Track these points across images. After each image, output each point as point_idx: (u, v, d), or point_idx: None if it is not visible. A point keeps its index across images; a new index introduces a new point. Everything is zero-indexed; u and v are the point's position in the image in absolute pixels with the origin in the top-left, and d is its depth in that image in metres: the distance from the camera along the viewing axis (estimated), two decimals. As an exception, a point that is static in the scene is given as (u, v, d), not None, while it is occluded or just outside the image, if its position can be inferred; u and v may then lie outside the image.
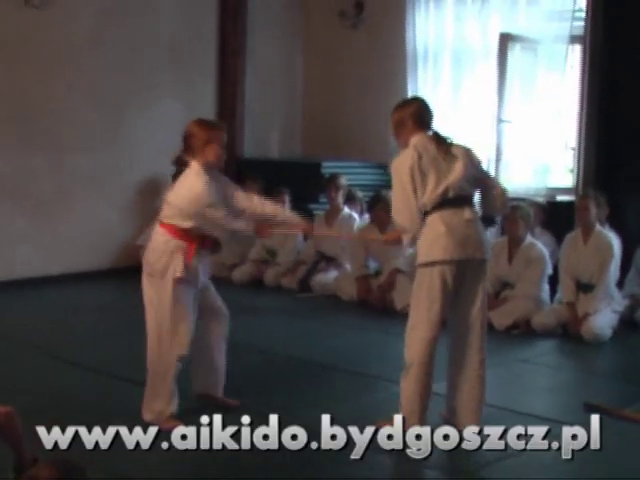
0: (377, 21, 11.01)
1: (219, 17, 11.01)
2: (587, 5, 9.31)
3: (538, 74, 9.91)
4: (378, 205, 9.05)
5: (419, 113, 5.42)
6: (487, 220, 5.70)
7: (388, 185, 10.33)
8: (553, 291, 8.44)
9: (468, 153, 5.44)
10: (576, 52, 9.71)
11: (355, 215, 9.70)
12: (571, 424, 5.53)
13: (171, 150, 10.55)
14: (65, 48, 9.70)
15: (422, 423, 5.11)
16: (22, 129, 9.45)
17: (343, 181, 9.73)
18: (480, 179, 5.48)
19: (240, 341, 6.47)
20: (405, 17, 10.54)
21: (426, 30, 10.48)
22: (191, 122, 5.85)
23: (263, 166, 10.83)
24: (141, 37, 10.25)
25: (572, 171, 9.89)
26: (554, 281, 8.43)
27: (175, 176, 6.28)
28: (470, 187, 5.40)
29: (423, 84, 10.50)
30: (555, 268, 8.41)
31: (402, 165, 5.29)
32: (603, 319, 7.90)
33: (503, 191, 5.66)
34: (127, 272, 10.15)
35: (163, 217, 5.72)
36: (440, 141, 5.36)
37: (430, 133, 5.40)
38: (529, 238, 8.40)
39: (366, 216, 9.60)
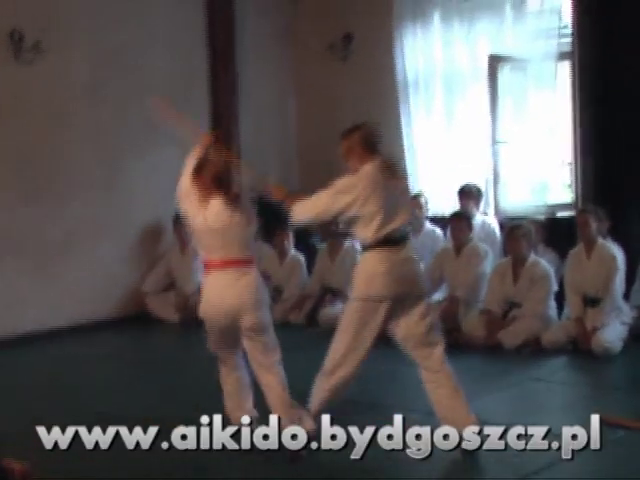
0: (366, 52, 11.06)
1: (209, 58, 11.05)
2: (573, 21, 9.36)
3: (529, 93, 9.92)
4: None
5: (367, 139, 5.59)
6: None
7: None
8: (560, 307, 8.44)
9: (407, 190, 5.78)
10: (565, 68, 9.74)
11: (358, 246, 9.69)
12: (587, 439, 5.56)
13: (171, 194, 10.66)
14: (61, 100, 9.74)
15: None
16: (22, 183, 9.48)
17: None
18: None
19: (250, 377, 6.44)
20: (393, 46, 10.59)
21: (415, 57, 10.53)
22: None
23: (262, 203, 10.78)
24: (135, 84, 10.28)
25: (570, 186, 9.90)
26: (560, 297, 8.42)
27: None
28: (408, 225, 5.63)
29: (416, 111, 10.54)
30: (561, 284, 8.40)
31: (352, 185, 5.43)
32: (612, 332, 7.89)
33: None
34: (134, 320, 10.19)
35: None
36: (389, 170, 5.51)
37: (379, 161, 5.52)
38: (532, 256, 8.40)
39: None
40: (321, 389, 5.78)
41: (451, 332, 8.59)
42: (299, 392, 6.98)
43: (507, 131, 10.11)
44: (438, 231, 9.74)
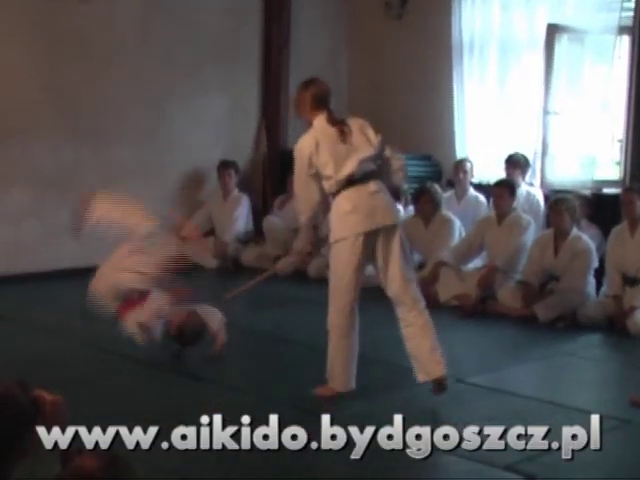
0: (422, 12, 10.95)
1: (264, 11, 11.01)
2: (636, -5, 9.21)
3: (585, 65, 9.80)
4: (423, 197, 9.04)
5: (318, 94, 5.86)
6: (392, 192, 6.10)
7: (433, 177, 10.40)
8: (598, 284, 8.37)
9: (364, 130, 5.85)
10: (624, 43, 9.59)
11: (400, 207, 9.64)
12: (616, 418, 5.53)
13: (215, 142, 10.71)
14: (111, 41, 9.73)
15: (347, 387, 5.77)
16: (69, 124, 9.51)
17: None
18: (378, 155, 5.83)
19: (282, 332, 6.50)
20: (451, 7, 10.47)
21: (472, 21, 10.40)
22: None
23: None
24: (186, 31, 10.27)
25: (619, 164, 9.79)
26: (599, 274, 8.35)
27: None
28: (372, 163, 5.75)
29: (469, 75, 10.43)
30: (601, 261, 8.33)
31: (302, 151, 5.74)
32: (649, 313, 7.82)
33: (401, 165, 6.11)
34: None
35: None
36: (336, 122, 5.74)
37: (326, 114, 5.76)
38: (575, 231, 8.32)
39: (411, 208, 9.55)
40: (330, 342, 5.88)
41: (486, 300, 8.58)
42: (323, 348, 7.03)
43: (559, 102, 9.98)
44: (481, 198, 9.67)
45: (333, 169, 5.65)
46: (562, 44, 9.98)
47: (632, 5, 9.28)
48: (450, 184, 10.15)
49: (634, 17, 9.21)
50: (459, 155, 10.32)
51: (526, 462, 4.83)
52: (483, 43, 10.36)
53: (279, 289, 9.18)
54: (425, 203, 8.98)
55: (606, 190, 9.66)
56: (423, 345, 5.75)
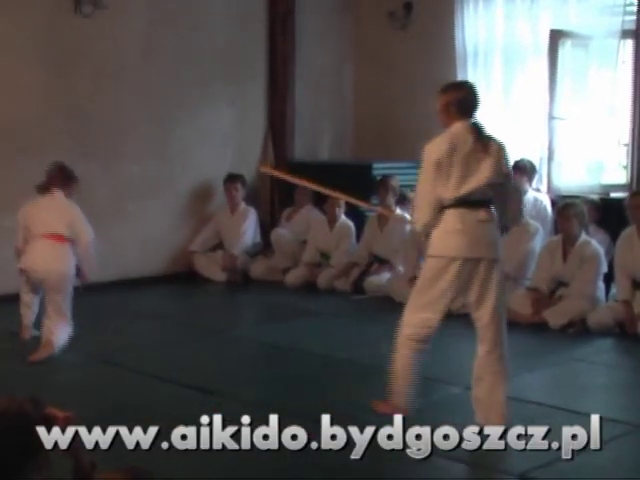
0: (426, 21, 10.98)
1: (268, 23, 11.04)
2: (638, -1, 9.22)
3: (590, 70, 9.80)
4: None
5: (464, 101, 5.43)
6: (500, 227, 5.74)
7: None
8: (608, 289, 8.36)
9: (501, 153, 5.44)
10: (628, 47, 9.60)
11: (407, 216, 9.66)
12: (629, 423, 5.53)
13: (223, 155, 10.73)
14: (116, 57, 9.77)
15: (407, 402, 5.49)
16: (77, 138, 9.52)
17: (394, 182, 9.70)
18: (501, 184, 5.47)
19: (293, 344, 6.51)
20: (454, 16, 10.48)
21: (476, 29, 10.42)
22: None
23: (314, 169, 10.80)
24: (192, 45, 10.30)
25: (626, 167, 9.79)
26: (609, 279, 8.34)
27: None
28: (490, 191, 5.41)
29: (474, 82, 10.40)
30: (610, 266, 8.32)
31: (431, 154, 5.34)
32: (660, 317, 7.81)
33: (519, 209, 5.75)
34: (180, 278, 10.26)
35: None
36: (479, 134, 5.36)
37: (471, 123, 5.39)
38: (584, 236, 8.32)
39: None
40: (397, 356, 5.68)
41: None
42: (342, 359, 7.03)
43: (565, 108, 9.98)
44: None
45: (458, 181, 5.30)
46: (566, 50, 9.99)
47: (635, 9, 9.29)
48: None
49: (637, 21, 9.22)
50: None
51: (539, 470, 4.83)
52: (487, 51, 10.37)
53: (290, 301, 9.21)
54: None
55: (613, 194, 9.66)
56: (489, 391, 5.47)
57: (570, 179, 9.93)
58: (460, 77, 10.47)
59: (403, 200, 9.87)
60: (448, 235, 5.36)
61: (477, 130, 5.38)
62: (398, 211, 9.64)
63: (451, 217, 5.34)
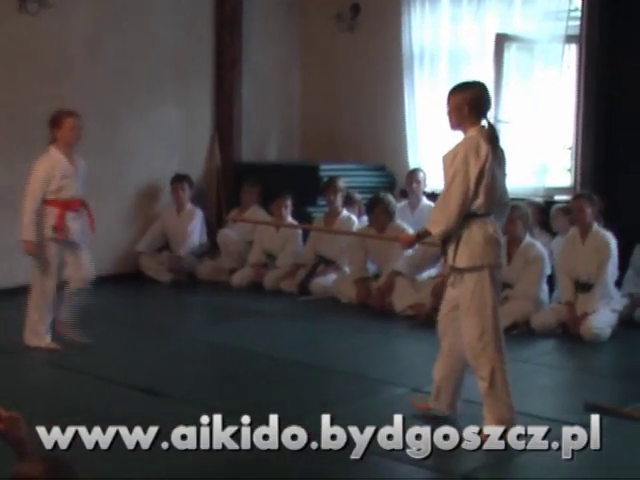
0: (373, 23, 11.01)
1: (216, 24, 11.01)
2: (582, 4, 9.32)
3: (535, 74, 9.90)
4: (377, 207, 9.05)
5: (477, 100, 5.32)
6: None
7: (387, 187, 10.47)
8: (552, 291, 8.45)
9: (505, 161, 5.44)
10: (572, 51, 9.71)
11: (354, 217, 9.70)
12: (572, 424, 5.56)
13: (169, 155, 10.69)
14: (62, 55, 9.68)
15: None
16: (22, 140, 9.41)
17: (342, 184, 9.73)
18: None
19: (240, 345, 6.50)
20: (401, 18, 10.54)
21: (422, 31, 10.48)
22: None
23: (261, 170, 10.85)
24: (138, 44, 10.25)
25: (570, 171, 9.89)
26: (552, 281, 8.44)
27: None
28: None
29: (420, 86, 10.50)
30: (553, 268, 8.41)
31: (472, 156, 5.18)
32: (602, 318, 7.89)
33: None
34: (126, 278, 10.20)
35: None
36: (494, 141, 5.28)
37: (485, 128, 5.31)
38: (528, 238, 8.40)
39: (365, 218, 9.60)
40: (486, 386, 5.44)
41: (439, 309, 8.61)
42: (287, 359, 7.04)
43: (510, 111, 10.06)
44: (435, 207, 9.71)
45: (494, 188, 5.23)
46: (511, 53, 10.09)
47: (579, 14, 9.39)
48: (403, 194, 10.20)
49: (581, 26, 9.32)
50: (412, 165, 10.38)
51: (484, 470, 4.87)
52: (433, 54, 10.44)
53: (236, 302, 9.21)
54: (379, 213, 9.00)
55: (558, 197, 9.76)
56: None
57: (515, 182, 9.99)
58: (406, 79, 10.55)
59: (350, 201, 9.90)
60: (488, 243, 5.26)
61: (493, 138, 5.29)
62: (344, 212, 9.67)
63: (487, 225, 5.26)
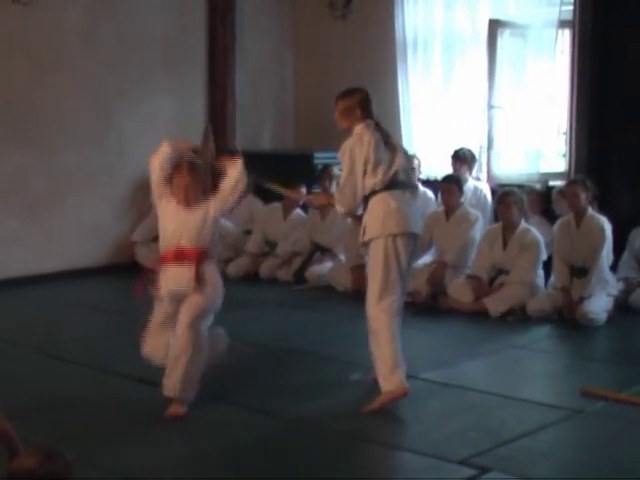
0: (366, 11, 10.99)
1: (208, 12, 10.99)
2: (575, -11, 9.31)
3: (528, 59, 9.89)
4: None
5: (366, 102, 5.94)
6: None
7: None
8: (547, 276, 8.45)
9: (402, 146, 6.13)
10: (566, 37, 9.70)
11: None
12: (568, 408, 5.61)
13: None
14: (54, 45, 9.67)
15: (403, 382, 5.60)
16: (13, 128, 9.42)
17: (336, 171, 9.69)
18: (407, 170, 6.14)
19: (234, 334, 6.45)
20: (394, 6, 10.53)
21: (415, 18, 10.47)
22: None
23: (255, 159, 10.75)
24: (131, 35, 10.23)
25: (564, 156, 9.89)
26: (548, 266, 8.43)
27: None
28: (406, 175, 6.02)
29: (413, 72, 10.50)
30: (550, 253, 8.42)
31: (356, 147, 5.75)
32: (598, 303, 7.90)
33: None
34: (121, 269, 10.19)
35: None
36: (383, 131, 5.89)
37: (373, 122, 5.87)
38: (523, 224, 8.39)
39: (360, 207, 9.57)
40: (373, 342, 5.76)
41: (437, 296, 8.63)
42: (285, 349, 7.04)
43: (503, 97, 10.07)
44: (430, 194, 9.72)
45: (386, 166, 5.75)
46: (504, 39, 10.08)
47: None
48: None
49: (574, 11, 9.30)
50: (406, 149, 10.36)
51: (480, 456, 4.88)
52: (427, 40, 10.43)
53: (232, 291, 9.15)
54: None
55: (552, 182, 9.75)
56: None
57: (509, 167, 10.02)
58: (400, 66, 10.55)
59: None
60: (387, 215, 5.69)
61: (381, 128, 5.89)
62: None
63: (385, 199, 5.72)
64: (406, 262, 5.75)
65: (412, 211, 5.88)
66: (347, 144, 5.83)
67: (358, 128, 5.85)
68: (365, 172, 5.73)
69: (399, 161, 5.85)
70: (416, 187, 6.43)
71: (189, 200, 5.85)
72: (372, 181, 5.73)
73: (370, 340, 5.74)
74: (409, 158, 6.16)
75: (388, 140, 5.89)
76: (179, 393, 5.49)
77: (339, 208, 5.93)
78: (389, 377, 5.60)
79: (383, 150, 5.80)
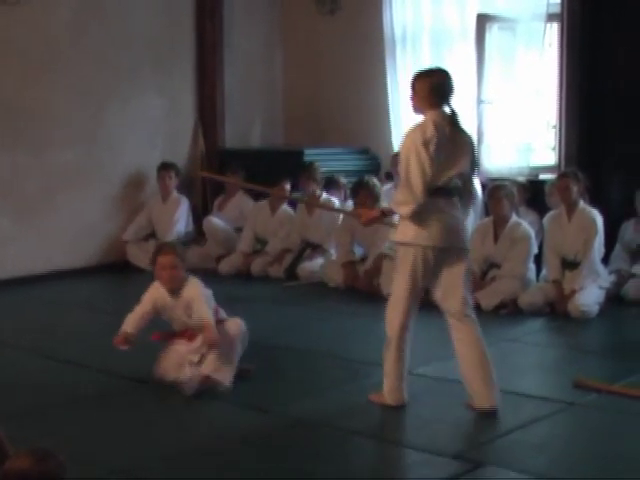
0: (354, 6, 11.00)
1: (196, 10, 10.98)
2: (563, -18, 9.32)
3: (517, 53, 9.89)
4: (362, 191, 9.03)
5: (442, 86, 5.41)
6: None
7: (371, 170, 10.47)
8: (539, 270, 8.47)
9: (472, 146, 5.52)
10: (554, 30, 9.71)
11: (335, 200, 9.68)
12: (561, 401, 5.62)
13: (153, 144, 10.66)
14: (44, 44, 9.64)
15: (403, 397, 5.48)
16: (5, 129, 9.40)
17: (317, 169, 9.69)
18: (468, 175, 5.54)
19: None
20: (382, 1, 10.52)
21: (403, 13, 10.46)
22: None
23: (245, 156, 10.83)
24: (120, 32, 10.21)
25: (554, 149, 9.90)
26: (539, 260, 8.45)
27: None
28: (459, 181, 5.45)
29: (402, 67, 10.49)
30: (540, 247, 8.43)
31: (420, 137, 5.26)
32: (589, 296, 7.92)
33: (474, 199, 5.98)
34: (113, 268, 10.19)
35: None
36: (454, 124, 5.39)
37: (447, 111, 5.39)
38: (514, 217, 8.41)
39: (350, 202, 9.59)
40: (388, 351, 5.55)
41: (429, 290, 8.61)
42: (278, 346, 7.04)
43: (493, 91, 10.07)
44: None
45: (441, 168, 5.29)
46: (493, 33, 10.08)
47: (559, -8, 9.39)
48: (389, 176, 10.20)
49: (562, 4, 9.31)
50: (396, 147, 10.36)
51: (474, 450, 4.89)
52: (415, 35, 10.43)
53: (224, 288, 9.16)
54: (364, 197, 8.96)
55: (542, 176, 9.78)
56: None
57: (499, 161, 10.02)
58: (389, 61, 10.54)
59: (335, 185, 9.90)
60: (423, 223, 5.31)
61: (453, 120, 5.38)
62: (324, 196, 9.66)
63: (427, 205, 5.29)
64: (432, 275, 5.43)
65: (455, 223, 5.42)
66: (411, 134, 5.35)
67: (428, 116, 5.34)
68: (431, 164, 5.24)
69: (461, 165, 5.39)
70: (471, 194, 5.71)
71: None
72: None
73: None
74: (476, 162, 5.53)
75: (457, 137, 5.39)
76: None
77: (404, 210, 5.34)
78: (391, 392, 5.50)
79: (448, 148, 5.31)
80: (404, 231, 5.40)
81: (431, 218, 5.31)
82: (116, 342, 5.93)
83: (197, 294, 5.98)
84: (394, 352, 5.49)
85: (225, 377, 5.82)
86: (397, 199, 5.46)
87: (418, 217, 5.30)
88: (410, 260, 5.37)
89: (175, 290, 6.03)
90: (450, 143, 5.33)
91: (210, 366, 5.81)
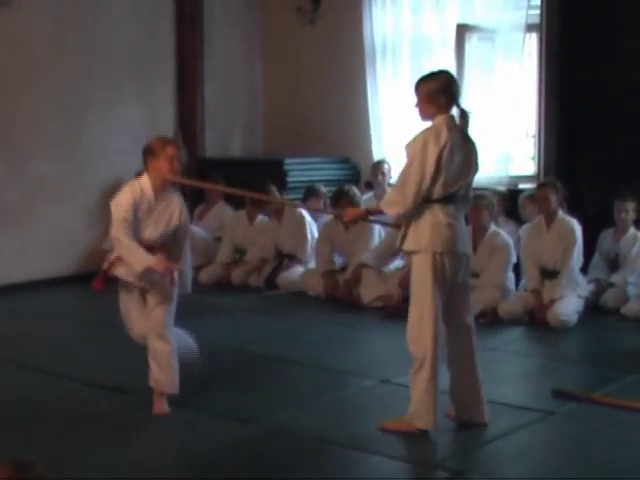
0: (334, 16, 11.02)
1: (177, 19, 10.98)
2: (542, -7, 9.37)
3: (496, 63, 9.94)
4: (342, 200, 9.04)
5: (451, 87, 5.25)
6: None
7: (352, 179, 10.49)
8: (518, 279, 8.49)
9: (477, 153, 5.36)
10: (533, 40, 9.76)
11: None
12: (540, 410, 5.64)
13: (133, 153, 10.59)
14: (22, 54, 9.61)
15: (436, 421, 5.18)
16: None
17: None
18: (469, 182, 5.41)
19: (207, 341, 6.46)
20: (362, 11, 10.56)
21: (383, 23, 10.50)
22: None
23: (225, 165, 10.81)
24: (100, 42, 10.19)
25: (533, 159, 9.94)
26: (518, 269, 8.48)
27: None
28: (465, 190, 5.34)
29: (382, 77, 10.52)
30: (519, 256, 8.45)
31: (431, 142, 5.09)
32: (569, 305, 7.94)
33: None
34: (92, 278, 10.11)
35: None
36: (464, 127, 5.25)
37: (458, 113, 5.24)
38: (493, 227, 8.44)
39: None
40: (419, 375, 5.22)
41: (409, 300, 8.62)
42: (258, 355, 7.03)
43: (472, 101, 10.08)
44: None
45: (453, 175, 5.13)
46: (472, 43, 10.13)
47: (538, 3, 9.44)
48: (369, 186, 10.22)
49: (540, 15, 9.37)
50: (377, 157, 10.40)
51: (454, 459, 4.90)
52: (395, 45, 10.46)
53: (203, 298, 9.16)
54: (344, 206, 8.96)
55: (521, 185, 9.81)
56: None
57: (479, 171, 10.02)
58: (369, 71, 10.57)
59: (315, 194, 9.89)
60: (438, 230, 5.14)
61: (465, 122, 5.25)
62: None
63: (439, 212, 5.14)
64: (450, 283, 5.22)
65: (464, 230, 5.31)
66: (421, 136, 5.14)
67: (438, 120, 5.15)
68: (435, 172, 5.07)
69: (471, 172, 5.26)
70: (469, 202, 5.65)
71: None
72: (432, 188, 5.11)
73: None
74: (476, 167, 5.35)
75: (467, 143, 5.25)
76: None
77: (391, 210, 5.22)
78: (424, 415, 5.16)
79: (460, 155, 5.16)
80: (417, 239, 5.18)
81: (443, 224, 5.14)
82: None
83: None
84: (429, 372, 5.16)
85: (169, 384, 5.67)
86: (389, 198, 5.33)
87: (431, 223, 5.13)
88: (429, 268, 5.13)
89: (165, 189, 5.95)
90: (462, 149, 5.19)
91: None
